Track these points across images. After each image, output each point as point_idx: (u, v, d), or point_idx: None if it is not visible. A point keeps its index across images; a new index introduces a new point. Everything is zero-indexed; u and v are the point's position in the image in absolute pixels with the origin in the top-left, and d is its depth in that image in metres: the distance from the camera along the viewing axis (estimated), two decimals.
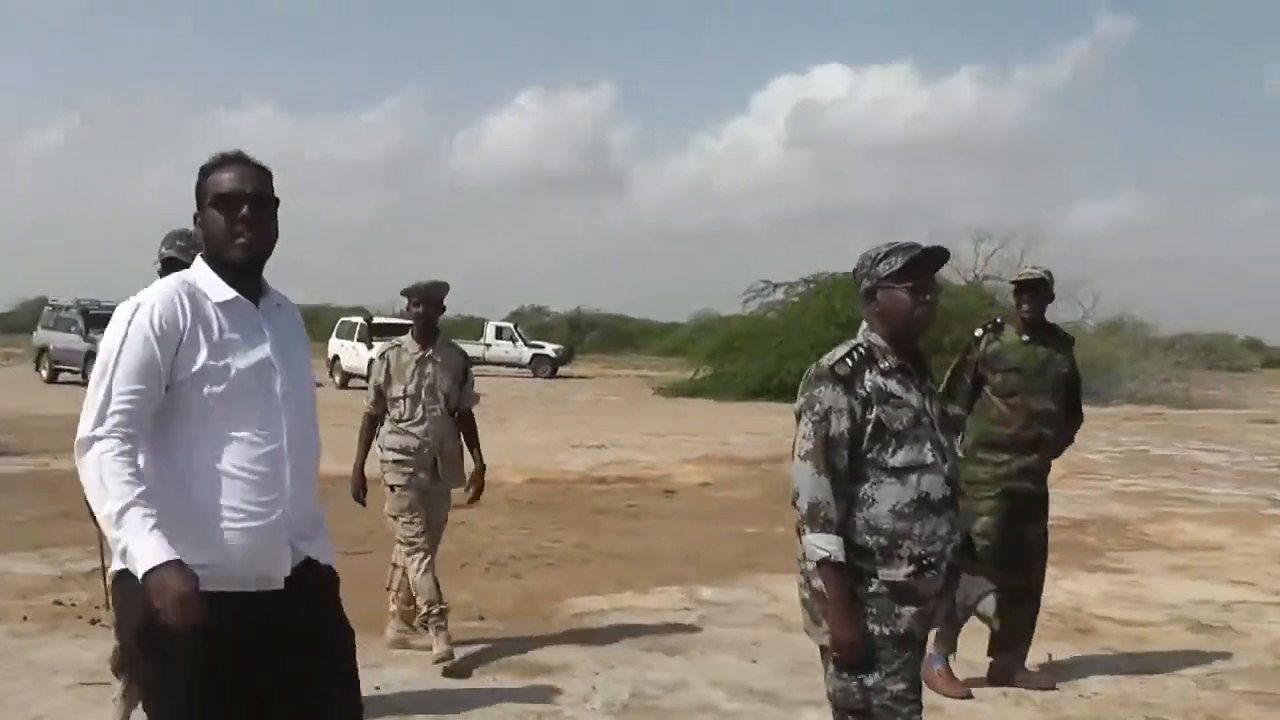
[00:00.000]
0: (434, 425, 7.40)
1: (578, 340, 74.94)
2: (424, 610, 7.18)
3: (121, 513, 3.12)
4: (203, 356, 3.35)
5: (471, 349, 49.49)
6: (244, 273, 3.51)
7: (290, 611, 3.38)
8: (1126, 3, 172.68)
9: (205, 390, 3.34)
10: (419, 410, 7.39)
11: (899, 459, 3.99)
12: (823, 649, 4.09)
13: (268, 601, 3.36)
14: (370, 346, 37.13)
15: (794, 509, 4.04)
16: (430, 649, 7.11)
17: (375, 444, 7.55)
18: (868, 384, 4.02)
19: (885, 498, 3.98)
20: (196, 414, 3.35)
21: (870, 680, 3.97)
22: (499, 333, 52.94)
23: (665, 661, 7.33)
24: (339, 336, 41.35)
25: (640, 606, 8.88)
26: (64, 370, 36.46)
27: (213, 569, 3.21)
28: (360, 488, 7.57)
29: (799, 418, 4.08)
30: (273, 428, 3.43)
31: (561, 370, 51.98)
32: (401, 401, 7.40)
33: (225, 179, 3.51)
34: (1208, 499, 15.85)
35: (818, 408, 4.01)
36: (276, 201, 3.58)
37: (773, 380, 37.78)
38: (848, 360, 4.06)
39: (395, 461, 7.36)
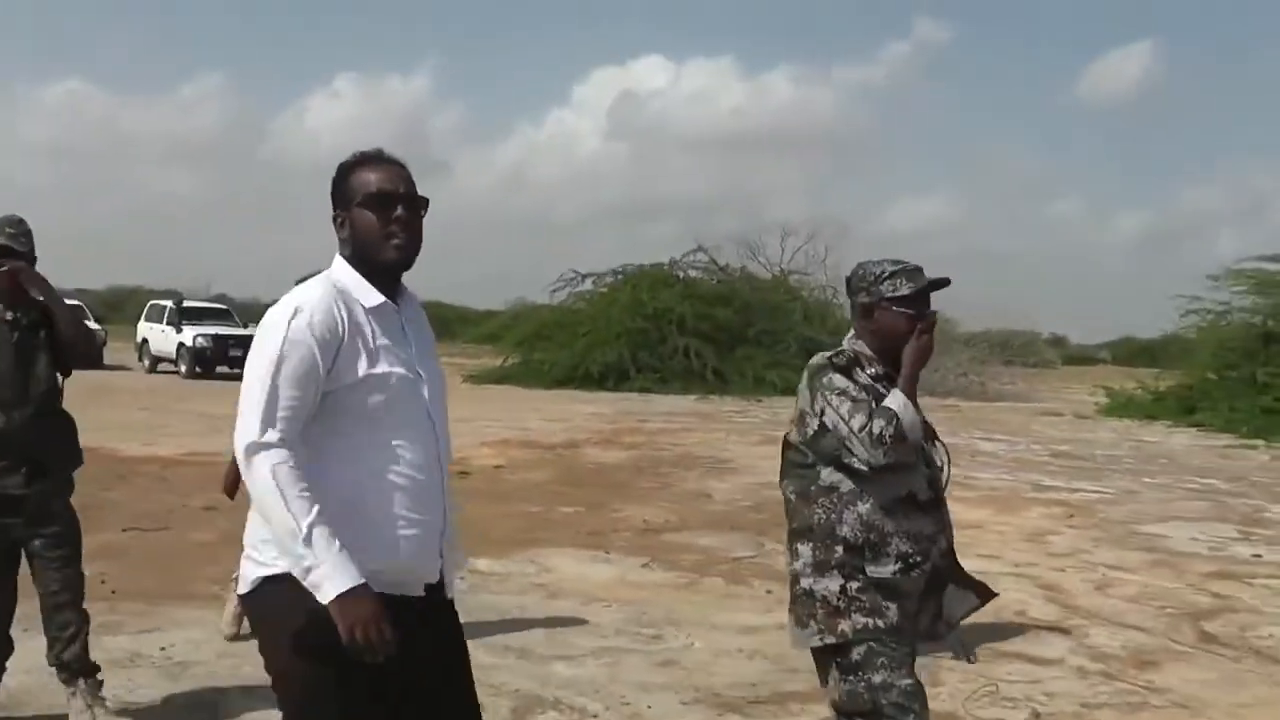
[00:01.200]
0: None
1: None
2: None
3: (308, 531, 3.09)
4: (362, 364, 3.33)
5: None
6: (391, 275, 3.48)
7: (423, 615, 3.40)
8: (945, 8, 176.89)
9: (364, 398, 3.32)
10: None
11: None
12: (817, 653, 4.18)
13: (410, 605, 3.35)
14: (179, 330, 37.07)
15: (787, 519, 4.24)
16: None
17: None
18: (862, 380, 4.17)
19: (875, 494, 4.09)
20: (355, 422, 3.32)
21: (877, 678, 4.02)
22: None
23: None
24: (148, 320, 40.97)
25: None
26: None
27: (375, 576, 3.18)
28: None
29: (821, 412, 4.13)
30: (426, 434, 3.44)
31: None
32: None
33: (375, 178, 3.47)
34: (975, 483, 16.81)
35: (836, 385, 4.13)
36: (426, 202, 3.56)
37: (579, 369, 38.58)
38: (838, 358, 4.22)
39: None
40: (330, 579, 3.07)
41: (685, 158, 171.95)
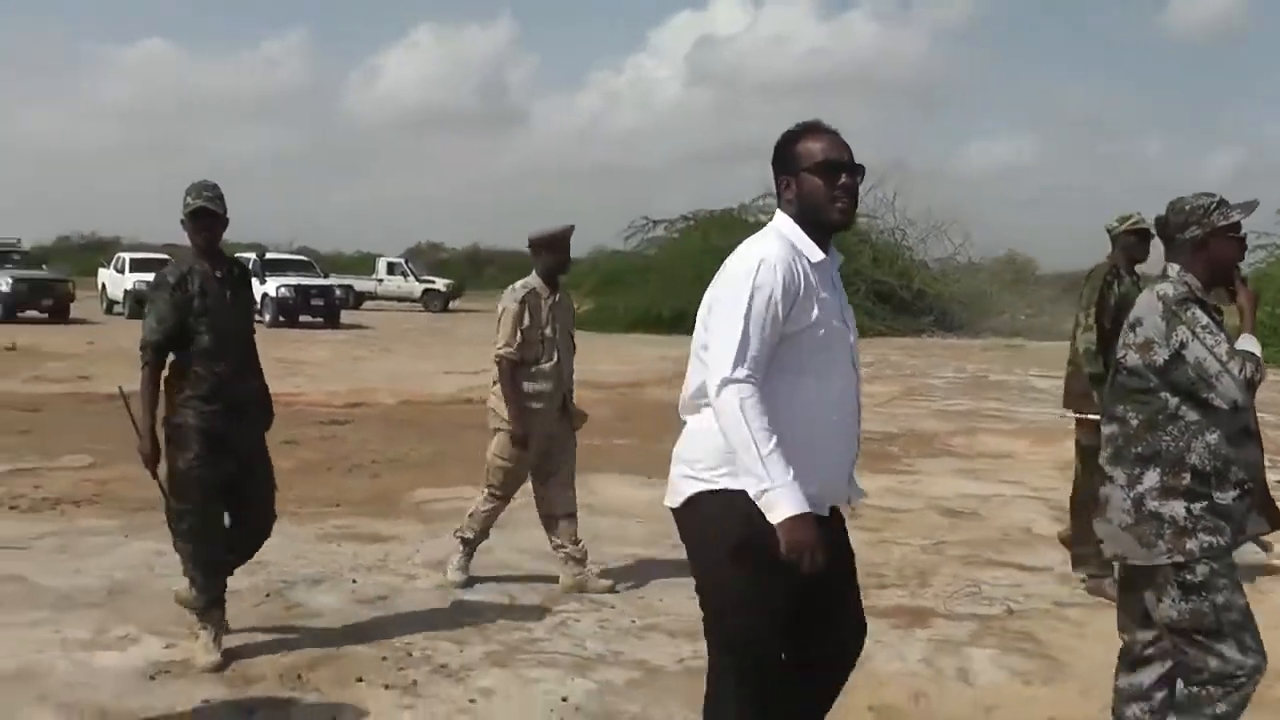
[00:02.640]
0: (566, 368, 7.63)
1: (476, 275, 75.73)
2: (465, 535, 7.61)
3: (768, 458, 3.49)
4: (814, 312, 3.70)
5: (363, 284, 50.40)
6: (829, 234, 3.88)
7: (830, 532, 3.79)
8: None
9: (810, 342, 3.71)
10: (556, 353, 7.51)
11: None
12: (1152, 573, 4.29)
13: (825, 523, 3.74)
14: (263, 281, 38.21)
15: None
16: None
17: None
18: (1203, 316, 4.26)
19: (1221, 426, 4.22)
20: (801, 363, 3.71)
21: (1220, 598, 4.18)
22: (390, 268, 54.00)
23: None
24: None
25: (473, 496, 10.29)
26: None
27: (809, 499, 3.57)
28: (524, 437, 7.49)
29: (1180, 345, 4.21)
30: (849, 374, 3.87)
31: (453, 305, 53.08)
32: (539, 345, 7.45)
33: (821, 147, 3.83)
34: (1018, 416, 17.48)
35: (1201, 320, 4.22)
36: (864, 169, 3.90)
37: (650, 313, 39.17)
38: (1187, 293, 4.30)
39: (531, 409, 7.44)
40: (783, 501, 3.49)
41: (764, 101, 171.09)
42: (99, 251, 54.85)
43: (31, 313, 35.48)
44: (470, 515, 7.63)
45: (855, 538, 7.57)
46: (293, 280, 39.01)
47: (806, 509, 3.52)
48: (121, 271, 41.99)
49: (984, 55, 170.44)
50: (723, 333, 3.68)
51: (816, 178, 3.78)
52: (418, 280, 53.69)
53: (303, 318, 38.08)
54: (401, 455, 12.66)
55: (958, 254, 48.39)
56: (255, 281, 38.75)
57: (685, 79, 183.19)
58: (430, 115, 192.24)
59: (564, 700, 5.56)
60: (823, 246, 3.83)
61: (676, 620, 6.81)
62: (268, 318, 37.66)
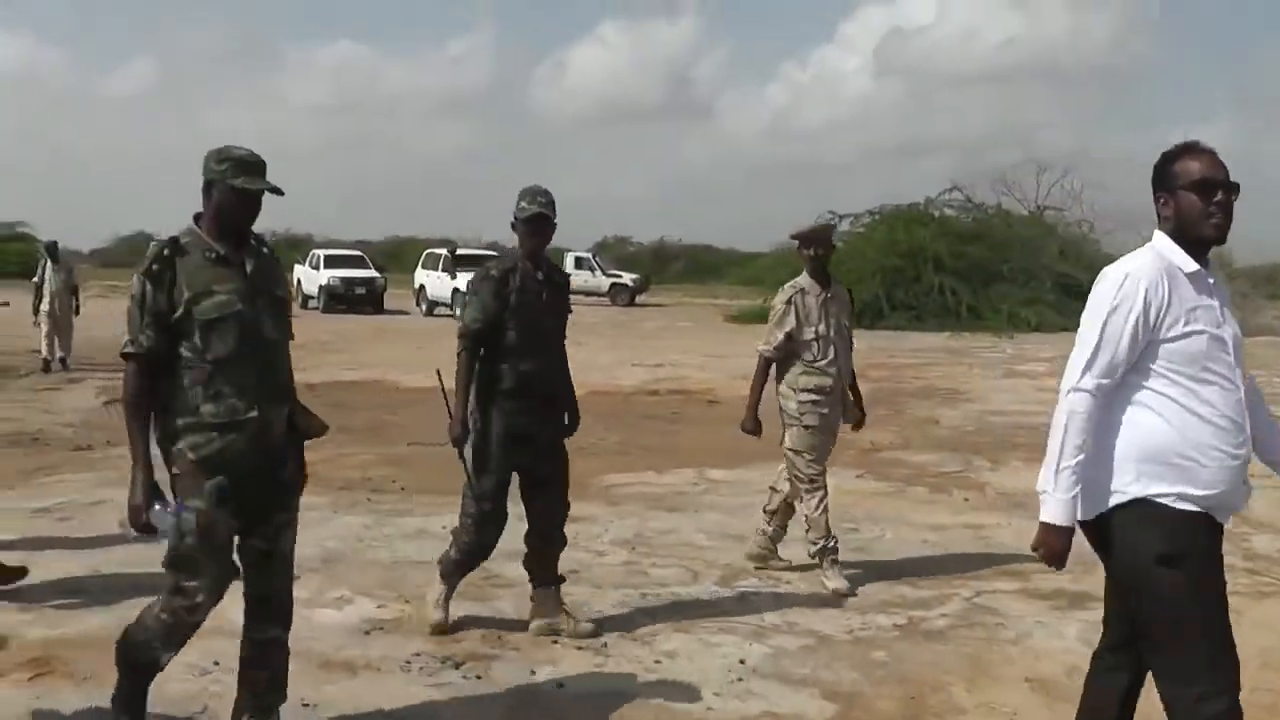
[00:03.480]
0: (845, 363, 7.75)
1: (661, 269, 76.58)
2: (819, 545, 7.53)
3: (1063, 470, 3.87)
4: (1181, 322, 3.89)
5: None
6: (1206, 248, 4.03)
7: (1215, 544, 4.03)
8: None
9: (1182, 350, 3.89)
10: (830, 350, 7.61)
11: None
12: None
13: (1218, 530, 4.03)
14: (454, 277, 39.31)
15: None
16: (826, 582, 7.49)
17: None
18: None
19: None
20: (1174, 369, 3.90)
21: None
22: (578, 263, 54.81)
23: (666, 516, 9.33)
24: (425, 267, 43.66)
25: (658, 481, 10.89)
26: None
27: (1201, 500, 3.87)
28: (756, 428, 7.82)
29: None
30: (1234, 379, 3.95)
31: (639, 299, 53.81)
32: (815, 343, 7.57)
33: (1198, 166, 4.00)
34: None
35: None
36: (1238, 187, 4.03)
37: None
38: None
39: (812, 401, 7.57)
40: (1053, 509, 3.90)
41: (955, 93, 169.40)
42: (292, 249, 56.64)
43: None
44: (808, 525, 7.59)
45: (1022, 526, 7.91)
46: None
47: (1070, 523, 3.91)
48: (316, 268, 43.72)
49: (1181, 38, 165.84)
50: (1080, 342, 3.96)
51: (1193, 195, 3.96)
52: (604, 275, 54.53)
53: None
54: (589, 444, 13.19)
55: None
56: (446, 276, 40.06)
57: (874, 71, 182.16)
58: (617, 110, 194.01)
59: (741, 662, 6.06)
60: (1199, 258, 4.00)
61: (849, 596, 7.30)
62: (458, 311, 38.66)
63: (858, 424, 8.09)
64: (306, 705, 5.38)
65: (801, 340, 7.55)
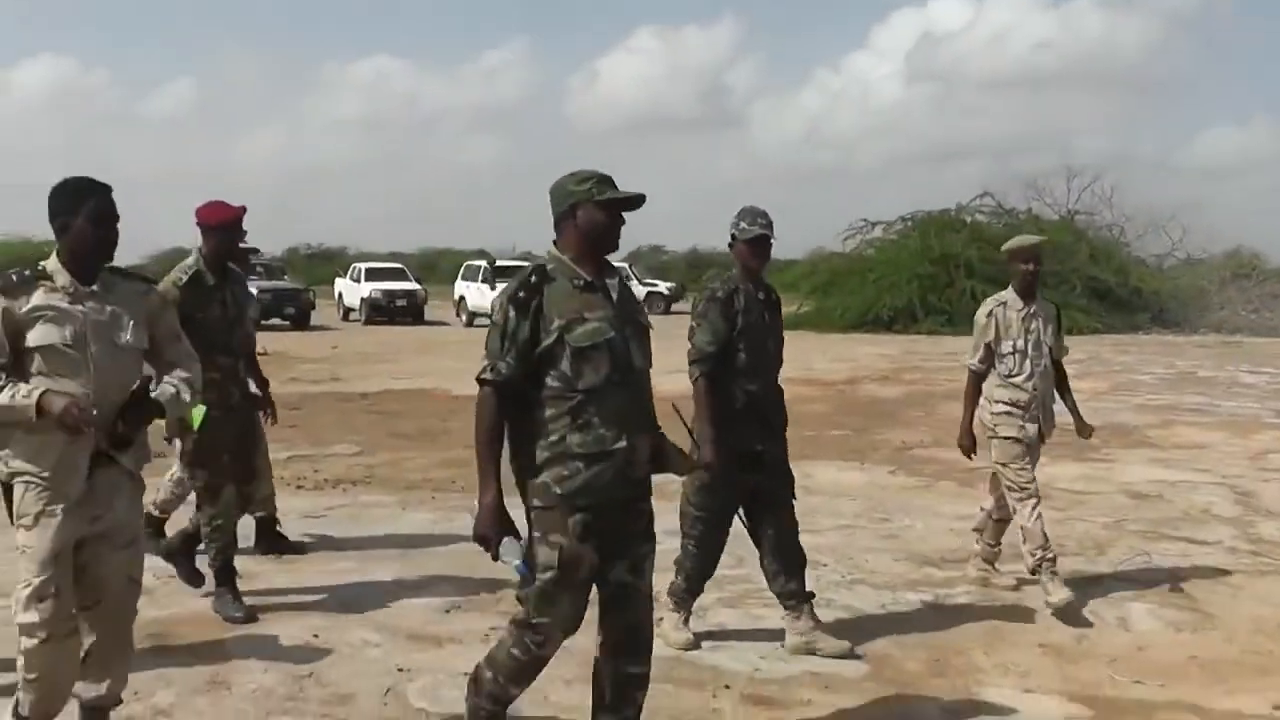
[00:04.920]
0: (1041, 379, 7.62)
1: (695, 278, 77.20)
2: (1036, 556, 7.37)
3: None
4: None
5: None
6: None
7: None
8: None
9: None
10: (1027, 365, 7.56)
11: None
12: None
13: None
14: (493, 287, 40.11)
15: None
16: (1046, 593, 7.31)
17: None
18: None
19: None
20: None
21: None
22: None
23: None
24: (464, 279, 44.40)
25: None
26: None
27: None
28: (972, 445, 7.79)
29: None
30: None
31: (675, 306, 54.51)
32: (1011, 357, 7.55)
33: None
34: (1218, 410, 18.08)
35: None
36: None
37: (869, 313, 39.90)
38: None
39: (1006, 414, 7.55)
40: None
41: (988, 98, 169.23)
42: (327, 261, 57.42)
43: (275, 320, 37.43)
44: (1025, 543, 7.46)
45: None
46: None
47: None
48: (358, 281, 44.51)
49: (1217, 40, 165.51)
50: None
51: None
52: (640, 283, 55.24)
53: None
54: None
55: (1175, 250, 48.28)
56: (486, 288, 40.86)
57: (906, 77, 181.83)
58: (650, 119, 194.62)
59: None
60: None
61: (879, 577, 8.04)
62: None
63: (1089, 433, 8.08)
64: (402, 670, 6.12)
65: (999, 353, 7.57)
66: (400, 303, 43.12)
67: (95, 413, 4.41)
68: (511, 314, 4.46)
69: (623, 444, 4.51)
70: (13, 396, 4.39)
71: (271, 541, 8.38)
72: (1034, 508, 7.43)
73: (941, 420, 16.46)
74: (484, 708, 4.84)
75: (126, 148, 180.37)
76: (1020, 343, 7.55)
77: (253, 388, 7.66)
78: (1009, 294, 7.70)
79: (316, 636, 6.63)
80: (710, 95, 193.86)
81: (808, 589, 6.67)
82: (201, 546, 7.31)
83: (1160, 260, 47.70)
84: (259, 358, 7.96)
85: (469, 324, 41.63)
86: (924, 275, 41.05)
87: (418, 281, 45.75)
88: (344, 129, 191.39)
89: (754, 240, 6.45)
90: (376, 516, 9.72)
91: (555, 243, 4.67)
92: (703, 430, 6.22)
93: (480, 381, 4.51)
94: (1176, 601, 7.60)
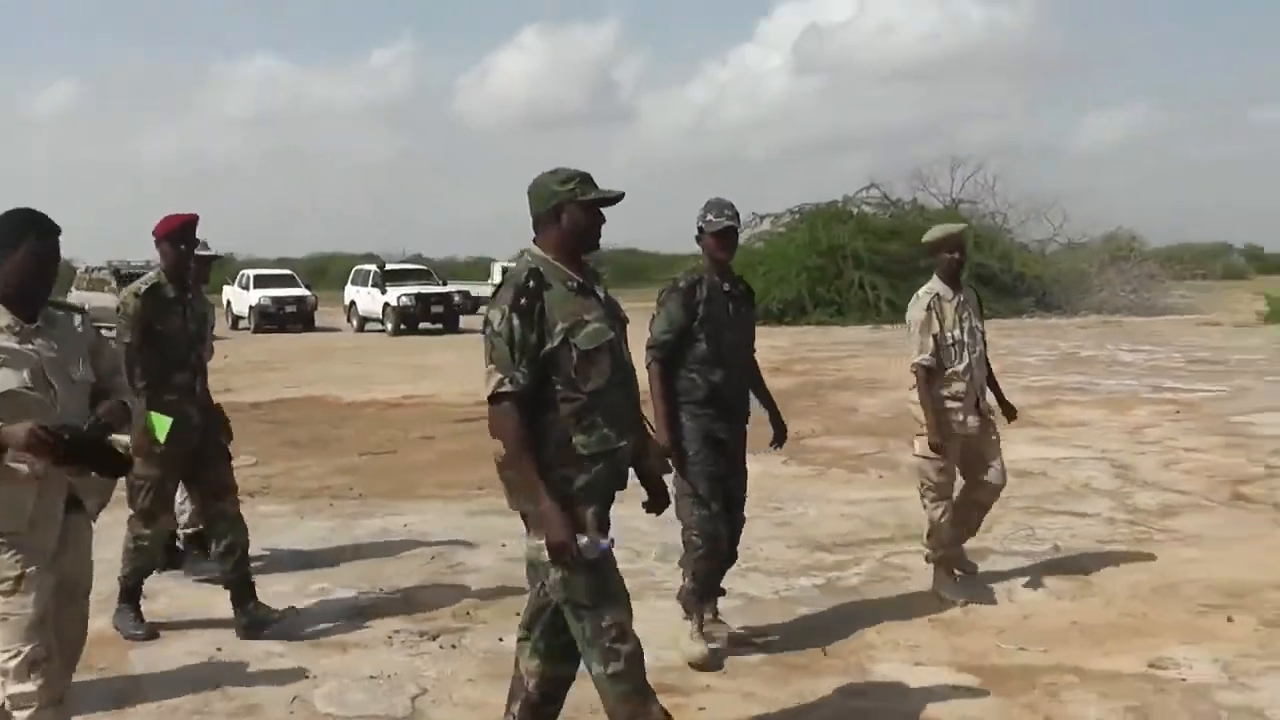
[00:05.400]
0: (977, 366, 7.53)
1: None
2: (938, 553, 7.54)
3: None
4: None
5: (479, 289, 52.03)
6: None
7: None
8: None
9: None
10: (965, 354, 7.46)
11: None
12: None
13: None
14: (384, 291, 40.05)
15: None
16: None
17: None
18: None
19: None
20: None
21: None
22: (504, 272, 55.60)
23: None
24: (354, 283, 43.99)
25: None
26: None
27: None
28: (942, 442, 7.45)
29: None
30: None
31: None
32: (951, 349, 7.44)
33: None
34: (1098, 389, 18.61)
35: None
36: None
37: (760, 307, 40.13)
38: None
39: (948, 410, 7.46)
40: None
41: (876, 89, 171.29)
42: (216, 268, 56.72)
43: None
44: (930, 530, 7.57)
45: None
46: (413, 289, 40.68)
47: None
48: (246, 288, 44.00)
49: (1102, 28, 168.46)
50: None
51: None
52: None
53: (423, 325, 39.73)
54: None
55: (1056, 235, 49.17)
56: (376, 292, 40.72)
57: (794, 69, 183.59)
58: (541, 115, 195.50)
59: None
60: None
61: (773, 563, 8.25)
62: (389, 326, 39.36)
63: (1012, 416, 8.00)
64: (309, 676, 6.21)
65: (942, 345, 7.44)
66: (290, 309, 42.51)
67: (66, 435, 4.10)
68: (516, 322, 4.35)
69: (624, 443, 4.51)
70: None
71: (169, 556, 8.34)
72: (945, 510, 7.50)
73: (831, 410, 16.76)
74: None
75: (9, 147, 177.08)
76: (957, 333, 7.45)
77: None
78: (938, 284, 7.57)
79: (220, 650, 6.68)
80: (599, 90, 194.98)
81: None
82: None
83: (1042, 245, 48.47)
84: None
85: (360, 329, 41.51)
86: (812, 267, 41.58)
87: (307, 287, 45.38)
88: (231, 129, 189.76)
89: (721, 232, 6.45)
90: (274, 526, 9.74)
91: (535, 241, 4.60)
92: (658, 416, 6.28)
93: (498, 396, 4.36)
94: (1059, 572, 7.87)
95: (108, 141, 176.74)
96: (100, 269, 38.49)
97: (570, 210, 4.52)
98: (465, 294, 44.68)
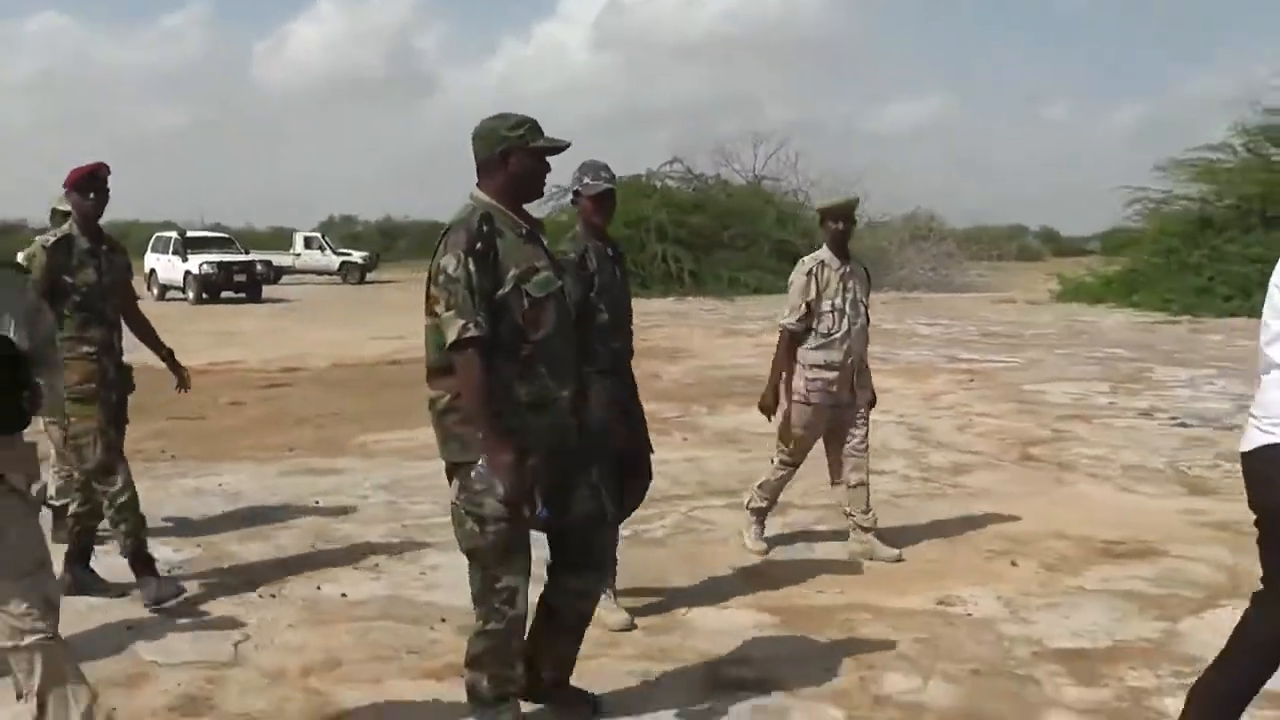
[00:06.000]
0: (857, 338, 7.56)
1: (388, 247, 76.85)
2: (758, 505, 7.79)
3: None
4: None
5: (281, 259, 51.36)
6: None
7: None
8: None
9: None
10: (844, 323, 7.46)
11: None
12: None
13: None
14: (185, 259, 39.37)
15: None
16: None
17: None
18: None
19: None
20: None
21: None
22: (307, 242, 55.52)
23: (419, 464, 10.30)
24: (154, 251, 42.91)
25: (410, 437, 11.83)
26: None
27: None
28: (775, 404, 7.59)
29: None
30: None
31: (370, 276, 54.35)
32: (830, 315, 7.44)
33: None
34: (897, 359, 19.25)
35: None
36: None
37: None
38: None
39: (822, 380, 7.46)
40: None
41: (677, 65, 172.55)
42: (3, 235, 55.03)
43: None
44: (760, 485, 7.79)
45: (732, 457, 9.13)
46: (215, 257, 40.10)
47: None
48: (178, 254, 41.28)
49: (899, 15, 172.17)
50: None
51: None
52: (334, 253, 55.02)
53: (225, 294, 39.18)
54: (340, 409, 14.20)
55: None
56: (178, 259, 39.96)
57: (594, 43, 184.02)
58: (339, 87, 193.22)
59: None
60: None
61: None
62: (191, 295, 38.69)
63: (870, 405, 7.85)
64: (131, 628, 6.26)
65: (818, 312, 7.46)
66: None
67: None
68: (473, 267, 4.27)
69: (565, 393, 4.48)
70: None
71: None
72: (785, 475, 7.74)
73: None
74: (492, 705, 4.67)
75: None
76: (839, 301, 7.43)
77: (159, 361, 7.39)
78: (825, 253, 7.55)
79: None
80: (399, 60, 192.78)
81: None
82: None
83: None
84: None
85: (161, 297, 40.62)
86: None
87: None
88: (10, 90, 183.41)
89: (599, 195, 6.11)
90: None
91: (479, 186, 4.55)
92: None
93: (461, 343, 4.24)
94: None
95: None
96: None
97: (518, 156, 4.50)
98: (268, 263, 44.13)
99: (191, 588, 6.93)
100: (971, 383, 16.43)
